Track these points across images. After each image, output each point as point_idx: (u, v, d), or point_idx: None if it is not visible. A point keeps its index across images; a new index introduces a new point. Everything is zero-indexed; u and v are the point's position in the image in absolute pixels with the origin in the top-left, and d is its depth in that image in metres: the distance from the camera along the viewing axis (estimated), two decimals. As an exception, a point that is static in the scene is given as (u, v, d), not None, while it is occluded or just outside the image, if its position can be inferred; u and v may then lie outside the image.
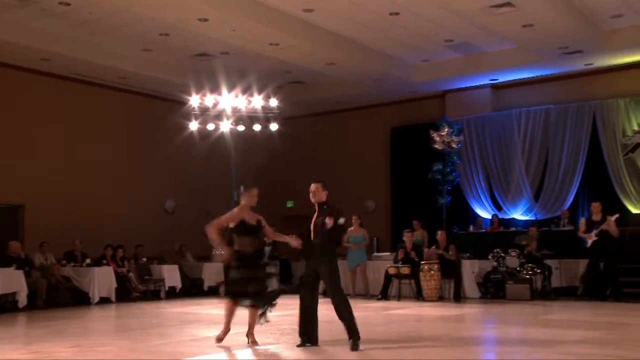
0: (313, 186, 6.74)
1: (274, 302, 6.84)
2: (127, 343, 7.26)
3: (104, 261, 13.26)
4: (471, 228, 15.39)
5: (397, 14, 12.29)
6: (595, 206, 11.94)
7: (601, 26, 13.10)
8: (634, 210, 14.08)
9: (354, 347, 6.32)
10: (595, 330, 7.84)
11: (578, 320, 9.10)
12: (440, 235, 12.78)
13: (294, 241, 6.80)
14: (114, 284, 12.93)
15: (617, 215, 11.69)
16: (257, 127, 14.76)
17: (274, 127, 14.76)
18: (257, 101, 14.38)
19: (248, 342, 6.81)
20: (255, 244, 6.81)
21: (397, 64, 15.25)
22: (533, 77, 15.57)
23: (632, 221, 13.87)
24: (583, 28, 12.63)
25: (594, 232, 11.59)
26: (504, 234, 14.15)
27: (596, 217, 11.81)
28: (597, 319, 9.23)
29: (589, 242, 11.67)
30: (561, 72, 15.12)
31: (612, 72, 14.75)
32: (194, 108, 14.17)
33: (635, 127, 14.38)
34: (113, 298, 12.84)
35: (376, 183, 17.95)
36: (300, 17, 12.45)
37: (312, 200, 6.73)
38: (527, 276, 11.94)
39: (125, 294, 13.20)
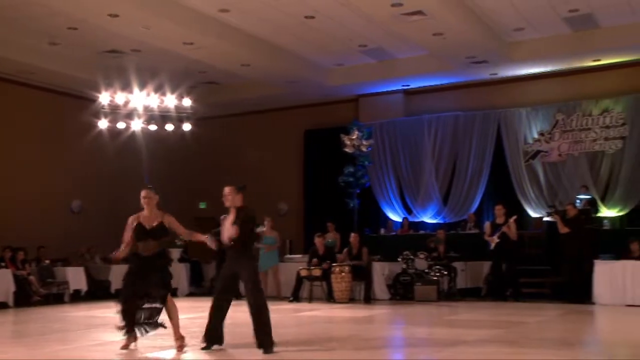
0: (226, 190, 6.64)
1: (151, 322, 6.58)
2: (23, 350, 6.92)
3: (2, 263, 12.61)
4: (382, 231, 15.70)
5: (312, 17, 12.39)
6: (499, 209, 12.44)
7: (505, 38, 13.69)
8: (533, 214, 14.77)
9: (269, 350, 6.29)
10: (496, 329, 8.16)
11: (481, 320, 9.45)
12: (352, 238, 12.95)
13: (210, 242, 6.65)
14: (12, 288, 12.31)
15: (515, 217, 12.21)
16: (169, 127, 14.48)
17: (187, 127, 14.53)
18: (170, 100, 14.11)
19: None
20: (150, 248, 6.57)
21: (311, 67, 15.37)
22: (443, 84, 16.06)
23: (532, 225, 14.54)
24: (489, 39, 13.16)
25: (496, 235, 12.08)
26: (413, 237, 14.52)
27: (499, 220, 12.30)
28: (498, 318, 9.62)
29: (492, 244, 12.15)
30: (469, 81, 15.69)
31: (515, 82, 15.44)
32: (103, 106, 13.74)
33: (536, 135, 15.10)
34: (11, 303, 12.22)
35: (290, 185, 18.01)
36: (215, 17, 12.33)
37: (226, 204, 6.63)
38: (435, 278, 12.29)
39: (25, 298, 12.58)
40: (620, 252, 11.41)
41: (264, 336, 6.36)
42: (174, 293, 14.40)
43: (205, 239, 6.68)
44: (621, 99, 14.30)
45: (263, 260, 13.16)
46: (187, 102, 14.19)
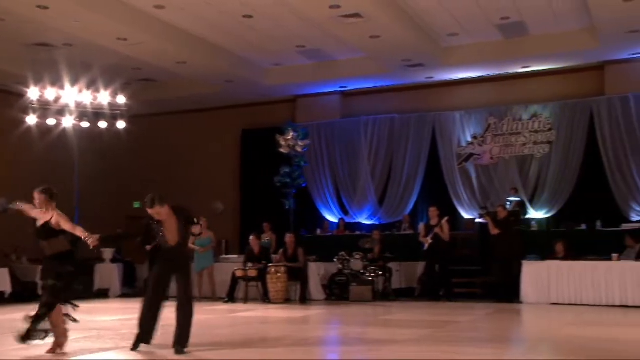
0: (154, 210, 6.44)
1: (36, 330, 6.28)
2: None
3: None
4: (318, 231, 15.76)
5: (250, 16, 12.32)
6: (432, 211, 12.67)
7: (440, 43, 13.97)
8: (466, 216, 15.12)
9: (180, 351, 6.22)
10: (429, 328, 8.31)
11: (414, 319, 9.60)
12: (288, 238, 12.93)
13: (91, 239, 6.22)
14: None
15: (447, 218, 12.47)
16: (103, 125, 14.11)
17: (121, 125, 14.19)
18: (104, 97, 13.76)
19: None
20: (44, 248, 6.34)
21: (249, 66, 15.28)
22: (380, 86, 16.25)
23: (465, 226, 14.88)
24: (424, 43, 13.39)
25: (430, 236, 12.30)
26: (349, 238, 14.62)
27: (433, 221, 12.52)
28: (431, 317, 9.80)
29: (426, 245, 12.36)
30: (405, 83, 15.93)
31: (450, 86, 15.78)
32: (32, 101, 13.26)
33: (469, 138, 15.47)
34: None
35: (226, 185, 17.85)
36: (151, 13, 12.10)
37: (159, 218, 6.47)
38: (370, 278, 12.41)
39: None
40: (546, 253, 11.82)
41: (182, 337, 6.30)
42: (106, 294, 14.13)
43: (83, 234, 6.26)
44: (549, 105, 14.82)
45: (198, 261, 13.03)
46: (121, 99, 13.87)
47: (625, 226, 12.89)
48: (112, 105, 13.90)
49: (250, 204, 17.47)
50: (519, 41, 13.66)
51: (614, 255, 11.14)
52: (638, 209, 13.71)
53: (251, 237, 12.89)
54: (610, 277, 10.80)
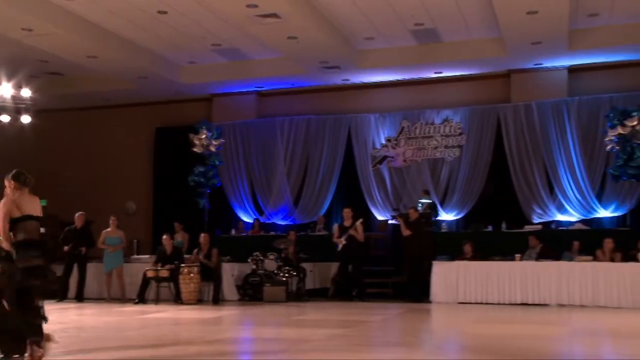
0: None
1: None
2: None
3: None
4: (233, 231, 15.64)
5: (165, 12, 12.09)
6: (347, 212, 12.83)
7: (356, 46, 14.18)
8: (379, 217, 15.40)
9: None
10: (341, 328, 8.41)
11: (327, 319, 9.69)
12: (202, 238, 12.76)
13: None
14: None
15: (360, 220, 12.67)
16: (5, 119, 13.44)
17: (26, 119, 13.56)
18: (6, 90, 13.09)
19: None
20: None
21: (164, 63, 14.99)
22: (297, 87, 16.30)
23: (378, 227, 15.15)
24: (341, 46, 13.55)
25: (344, 237, 12.45)
26: (264, 238, 14.57)
27: (347, 222, 12.68)
28: (343, 317, 9.91)
29: (340, 246, 12.50)
30: (322, 85, 16.04)
31: (366, 88, 16.02)
32: None
33: (383, 141, 15.77)
34: None
35: (139, 184, 17.43)
36: (59, 4, 11.66)
37: None
38: (284, 279, 12.42)
39: None
40: (455, 254, 12.20)
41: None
42: None
43: None
44: (459, 110, 15.31)
45: (107, 260, 12.70)
46: (26, 92, 13.24)
47: (528, 228, 13.49)
48: (16, 99, 13.24)
49: (163, 204, 17.12)
50: (432, 47, 14.06)
51: (517, 256, 11.65)
52: (539, 211, 14.38)
53: (164, 237, 12.64)
54: (513, 277, 11.29)
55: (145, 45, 14.00)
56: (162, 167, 17.29)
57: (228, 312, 10.87)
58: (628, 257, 11.18)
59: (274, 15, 11.46)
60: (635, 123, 12.57)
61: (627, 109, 12.82)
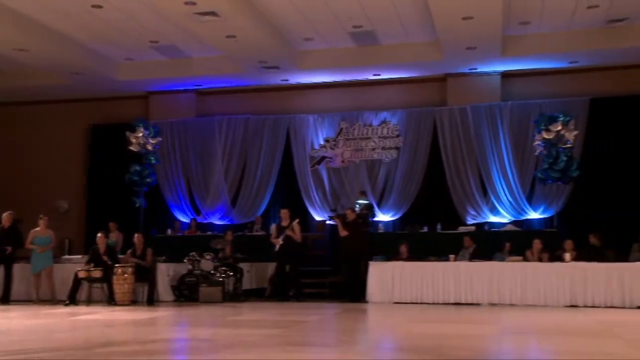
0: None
1: None
2: None
3: None
4: (169, 231, 15.42)
5: (100, 7, 11.82)
6: (284, 212, 12.83)
7: (295, 47, 14.21)
8: (317, 218, 15.46)
9: None
10: (277, 328, 8.39)
11: (263, 319, 9.65)
12: (136, 238, 12.53)
13: None
14: None
15: (297, 220, 12.71)
16: None
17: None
18: None
19: None
20: None
21: (99, 59, 14.66)
22: (236, 86, 16.21)
23: (316, 227, 15.21)
24: (280, 46, 13.56)
25: (281, 237, 12.45)
26: (201, 238, 14.45)
27: (285, 222, 12.69)
28: (280, 318, 9.90)
29: (277, 246, 12.50)
30: (261, 85, 16.01)
31: (305, 89, 16.08)
32: None
33: (322, 142, 15.85)
34: None
35: (71, 182, 17.00)
36: (-12, -5, 11.25)
37: None
38: (220, 279, 12.33)
39: None
40: (392, 254, 12.38)
41: None
42: None
43: None
44: (397, 112, 15.54)
45: (36, 261, 12.32)
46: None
47: (462, 229, 13.82)
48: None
49: (97, 202, 16.74)
50: (370, 49, 14.22)
51: (451, 256, 11.90)
52: (473, 212, 14.74)
53: (97, 236, 12.34)
54: (447, 277, 11.52)
55: (79, 40, 13.66)
56: (97, 165, 16.93)
57: (163, 313, 10.70)
58: (555, 257, 11.59)
59: (213, 14, 11.36)
60: (559, 128, 13.08)
61: (553, 115, 13.33)
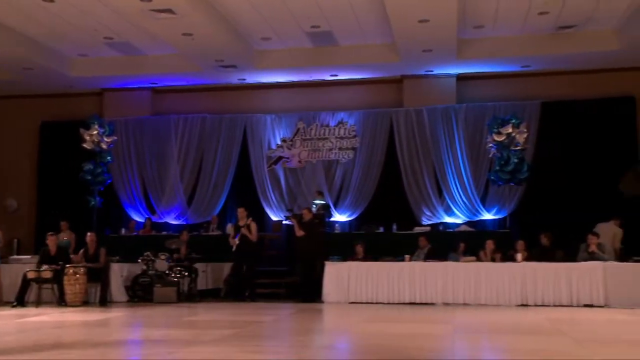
0: None
1: None
2: None
3: None
4: (123, 231, 15.19)
5: (52, 1, 11.56)
6: (241, 212, 12.77)
7: (253, 46, 14.16)
8: (274, 218, 15.43)
9: None
10: (232, 329, 8.34)
11: (218, 320, 9.59)
12: (89, 237, 12.30)
13: None
14: None
15: (250, 219, 12.65)
16: None
17: None
18: None
19: None
20: None
21: (52, 55, 14.36)
22: (192, 85, 16.06)
23: (272, 227, 15.18)
24: (237, 45, 13.49)
25: (237, 237, 12.39)
26: (156, 238, 14.27)
27: (241, 222, 12.63)
28: (235, 318, 9.84)
29: (234, 246, 12.43)
30: (218, 84, 15.91)
31: (262, 89, 16.04)
32: None
33: (279, 142, 15.83)
34: None
35: (22, 180, 16.60)
36: None
37: None
38: (175, 279, 12.19)
39: None
40: (348, 254, 12.43)
41: None
42: None
43: None
44: (354, 113, 15.63)
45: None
46: None
47: (417, 229, 13.96)
48: None
49: (48, 201, 16.38)
50: (327, 50, 14.27)
51: (406, 256, 12.02)
52: (429, 213, 14.92)
53: (48, 236, 12.07)
54: (402, 277, 11.61)
55: (31, 34, 13.34)
56: (48, 163, 16.57)
57: (115, 314, 10.52)
58: (507, 258, 11.81)
59: (169, 11, 11.24)
60: (510, 131, 13.36)
61: (505, 118, 13.61)
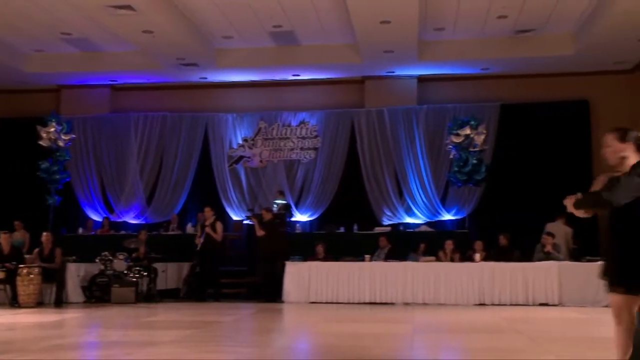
0: None
1: None
2: None
3: None
4: (81, 230, 14.93)
5: (7, -6, 11.31)
6: (207, 211, 12.72)
7: (214, 44, 14.05)
8: (235, 217, 15.35)
9: None
10: (192, 329, 8.27)
11: (178, 320, 9.50)
12: (44, 237, 12.05)
13: None
14: None
15: (214, 218, 12.58)
16: None
17: None
18: None
19: None
20: None
21: (6, 49, 14.02)
22: (152, 83, 15.87)
23: (233, 227, 15.09)
24: (199, 43, 13.37)
25: (203, 236, 12.33)
26: (114, 237, 14.06)
27: (208, 222, 12.56)
28: (195, 318, 9.76)
29: (198, 245, 12.36)
30: (179, 82, 15.75)
31: (224, 87, 15.93)
32: None
33: (240, 141, 15.75)
34: None
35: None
36: None
37: None
38: (134, 279, 12.03)
39: None
40: (308, 254, 12.44)
41: None
42: None
43: None
44: (316, 113, 15.64)
45: None
46: None
47: (378, 229, 14.05)
48: None
49: (3, 200, 15.95)
50: (290, 50, 14.24)
51: (367, 256, 12.07)
52: (389, 213, 15.02)
53: (1, 235, 11.78)
54: (363, 277, 11.67)
55: (-17, 29, 13.00)
56: (3, 160, 16.16)
57: (71, 315, 10.33)
58: (465, 258, 11.97)
59: (128, 7, 11.07)
60: (468, 132, 13.55)
61: (463, 119, 13.80)
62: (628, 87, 14.60)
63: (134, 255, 12.58)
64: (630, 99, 14.36)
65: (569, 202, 4.22)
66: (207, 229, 12.28)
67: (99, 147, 15.96)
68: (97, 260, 12.29)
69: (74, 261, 12.35)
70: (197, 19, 12.63)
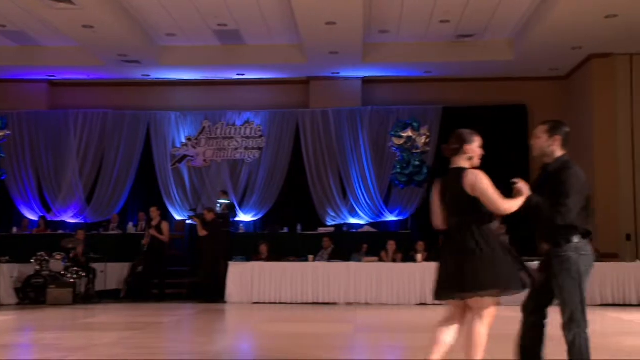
0: None
1: None
2: None
3: None
4: (15, 230, 14.46)
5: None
6: (153, 211, 12.65)
7: (157, 42, 13.83)
8: (177, 217, 15.14)
9: None
10: (131, 330, 8.13)
11: (117, 322, 9.32)
12: (-25, 237, 11.63)
13: None
14: None
15: (160, 218, 12.41)
16: None
17: None
18: None
19: None
20: None
21: (-63, 41, 13.45)
22: (93, 79, 15.51)
23: (175, 227, 14.87)
24: (141, 40, 13.13)
25: (147, 236, 12.15)
26: (51, 237, 13.67)
27: (155, 221, 12.43)
28: (135, 319, 9.60)
29: (145, 246, 12.17)
30: (120, 79, 15.43)
31: (167, 85, 15.70)
32: None
33: (184, 140, 15.56)
34: None
35: None
36: None
37: None
38: (72, 280, 11.73)
39: None
40: (252, 254, 12.38)
41: None
42: None
43: None
44: (260, 113, 15.58)
45: None
46: None
47: (322, 230, 14.09)
48: None
49: None
50: (234, 49, 14.14)
51: (310, 257, 12.09)
52: (333, 214, 15.09)
53: None
54: (306, 277, 11.68)
55: None
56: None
57: (2, 318, 9.97)
58: (408, 258, 12.12)
59: (68, 1, 10.77)
60: (410, 134, 13.78)
61: (406, 122, 14.00)
62: (562, 93, 15.09)
63: (72, 255, 12.26)
64: (562, 104, 14.83)
65: (524, 188, 4.31)
66: (152, 231, 12.12)
67: (36, 144, 15.49)
68: (32, 261, 11.91)
69: (7, 262, 11.95)
70: (139, 15, 12.40)
